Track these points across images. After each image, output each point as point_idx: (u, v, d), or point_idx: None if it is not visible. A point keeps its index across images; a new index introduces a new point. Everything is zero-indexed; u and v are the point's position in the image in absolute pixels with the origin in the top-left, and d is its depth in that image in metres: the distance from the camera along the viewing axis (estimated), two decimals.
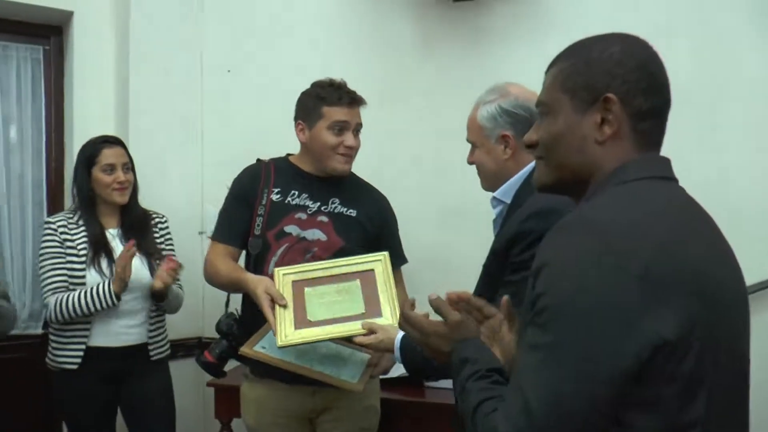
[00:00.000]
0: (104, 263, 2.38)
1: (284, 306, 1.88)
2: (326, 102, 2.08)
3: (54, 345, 2.40)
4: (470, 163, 1.74)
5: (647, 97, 0.99)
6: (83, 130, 3.01)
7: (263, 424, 2.18)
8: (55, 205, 3.15)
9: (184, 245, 2.78)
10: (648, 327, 0.84)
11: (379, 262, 1.97)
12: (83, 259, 2.37)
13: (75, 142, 3.01)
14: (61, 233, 2.40)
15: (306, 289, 1.93)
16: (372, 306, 1.88)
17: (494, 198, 1.68)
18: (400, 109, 2.92)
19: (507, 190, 1.66)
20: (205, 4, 3.19)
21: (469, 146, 1.75)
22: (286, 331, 1.83)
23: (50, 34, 3.25)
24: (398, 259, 2.24)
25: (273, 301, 1.88)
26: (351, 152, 2.13)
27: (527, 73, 2.73)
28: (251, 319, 2.05)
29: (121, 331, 2.40)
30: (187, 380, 2.85)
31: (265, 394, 2.16)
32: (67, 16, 3.14)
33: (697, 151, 2.51)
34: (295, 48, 3.08)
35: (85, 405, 2.42)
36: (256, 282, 1.95)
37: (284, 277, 1.96)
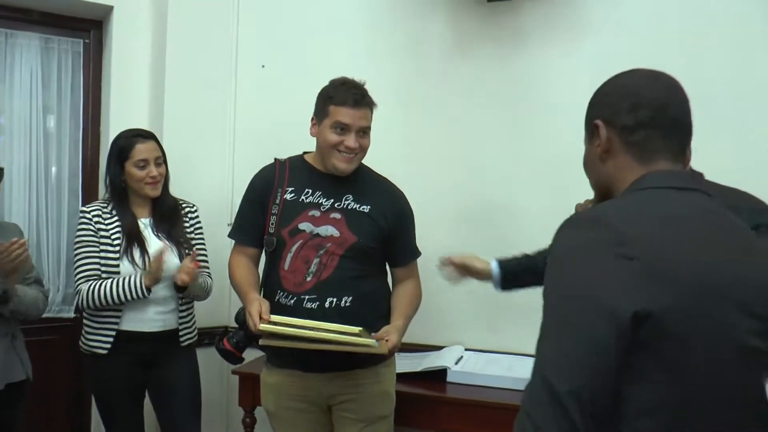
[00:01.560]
0: (137, 253, 2.43)
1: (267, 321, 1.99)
2: (333, 101, 2.12)
3: (87, 329, 2.45)
4: None
5: (631, 114, 1.15)
6: (119, 122, 3.10)
7: (281, 408, 2.22)
8: (89, 193, 3.24)
9: (214, 236, 2.83)
10: (630, 297, 0.97)
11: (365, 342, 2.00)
12: (117, 248, 2.42)
13: (111, 134, 3.05)
14: (96, 222, 2.45)
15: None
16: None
17: None
18: (432, 109, 2.93)
19: None
20: (241, 2, 3.25)
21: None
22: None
23: (90, 28, 3.34)
24: (410, 254, 2.31)
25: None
26: (351, 153, 2.14)
27: (560, 74, 2.78)
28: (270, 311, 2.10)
29: (152, 318, 2.44)
30: (213, 368, 2.90)
31: (283, 380, 2.20)
32: (107, 10, 3.23)
33: None
34: (329, 46, 3.12)
35: (114, 388, 2.47)
36: (252, 301, 2.05)
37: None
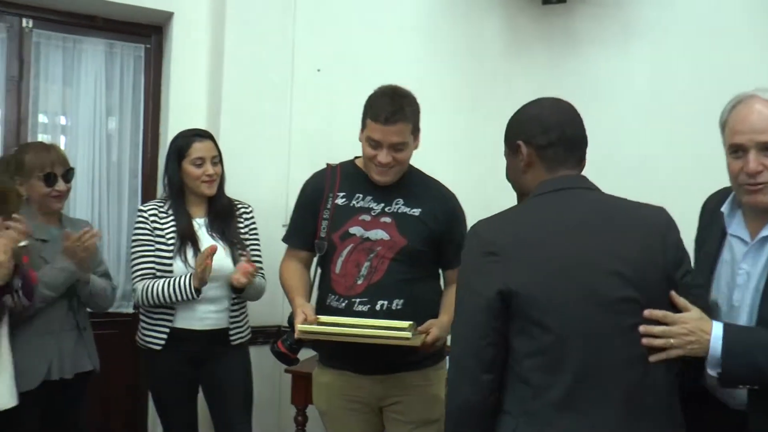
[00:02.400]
0: (190, 253, 2.47)
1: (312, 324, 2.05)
2: (369, 114, 2.12)
3: (143, 325, 2.52)
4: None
5: (543, 135, 1.51)
6: (177, 124, 3.16)
7: (333, 407, 2.24)
8: (148, 193, 3.33)
9: (269, 237, 2.85)
10: (489, 282, 1.39)
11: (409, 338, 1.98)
12: (171, 248, 2.48)
13: (170, 135, 3.13)
14: (152, 222, 2.51)
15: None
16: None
17: None
18: (486, 112, 2.93)
19: None
20: (297, 6, 3.30)
21: None
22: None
23: (152, 33, 3.45)
24: (457, 259, 2.17)
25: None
26: (384, 167, 2.13)
27: (614, 76, 2.76)
28: (320, 313, 2.14)
29: (204, 316, 2.49)
30: (266, 366, 2.92)
31: (335, 380, 2.22)
32: (168, 16, 3.33)
33: None
34: (383, 49, 3.15)
35: (168, 383, 2.54)
36: (296, 308, 2.11)
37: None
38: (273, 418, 3.15)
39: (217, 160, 2.56)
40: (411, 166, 2.27)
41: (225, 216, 2.59)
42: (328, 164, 2.33)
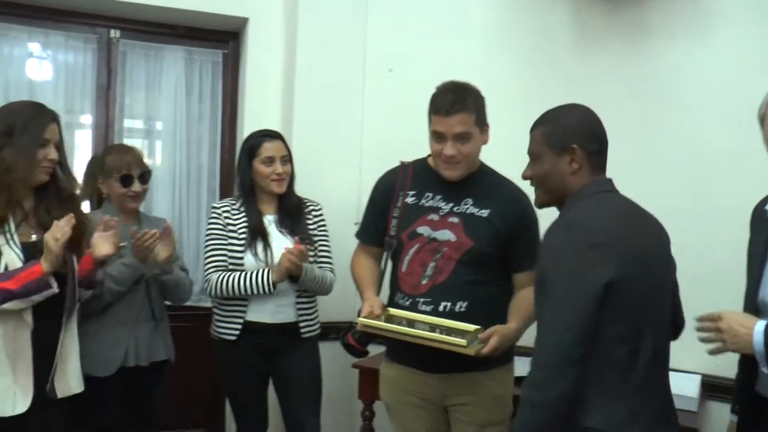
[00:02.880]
0: (260, 248, 2.56)
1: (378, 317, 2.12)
2: (432, 109, 2.13)
3: (217, 317, 2.63)
4: None
5: (594, 142, 1.67)
6: (253, 126, 3.23)
7: (399, 402, 2.26)
8: (226, 193, 3.47)
9: (341, 234, 2.90)
10: (600, 273, 1.48)
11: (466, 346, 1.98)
12: (242, 242, 2.57)
13: (245, 136, 3.29)
14: (225, 218, 2.62)
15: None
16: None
17: None
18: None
19: None
20: (369, 8, 3.35)
21: None
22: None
23: (229, 39, 3.59)
24: (531, 260, 2.05)
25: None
26: (451, 161, 2.12)
27: (688, 68, 2.68)
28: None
29: (275, 309, 2.56)
30: (337, 361, 2.98)
31: (401, 375, 2.24)
32: (243, 22, 3.46)
33: None
34: (452, 48, 3.16)
35: (241, 373, 2.63)
36: (364, 301, 2.17)
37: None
38: (342, 412, 3.21)
39: (287, 159, 2.64)
40: (483, 165, 2.26)
41: (294, 213, 2.66)
42: (401, 162, 2.35)
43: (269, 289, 2.48)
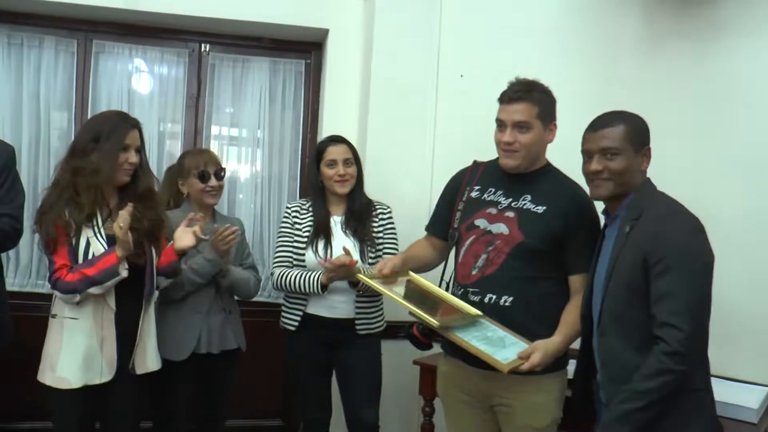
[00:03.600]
0: (320, 246, 2.68)
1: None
2: (498, 100, 2.22)
3: (283, 309, 2.78)
4: None
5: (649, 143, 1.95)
6: (332, 131, 3.37)
7: (447, 396, 2.34)
8: (305, 195, 3.54)
9: (413, 235, 2.96)
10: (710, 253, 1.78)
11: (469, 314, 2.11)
12: (305, 240, 2.71)
13: None
14: (293, 216, 2.77)
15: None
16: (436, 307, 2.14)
17: None
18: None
19: None
20: (443, 17, 3.41)
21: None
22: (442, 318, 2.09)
23: (311, 50, 3.76)
24: (582, 262, 2.13)
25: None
26: (508, 149, 2.17)
27: (759, 71, 2.58)
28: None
29: (333, 305, 2.67)
30: (402, 357, 3.02)
31: (452, 370, 2.30)
32: (324, 33, 3.61)
33: None
34: (523, 52, 3.18)
35: (301, 361, 2.76)
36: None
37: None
38: (404, 407, 3.27)
39: (351, 161, 2.74)
40: (549, 164, 2.28)
41: (360, 215, 2.75)
42: (474, 161, 2.42)
43: (318, 290, 2.59)
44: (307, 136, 3.75)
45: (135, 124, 2.32)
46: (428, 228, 2.50)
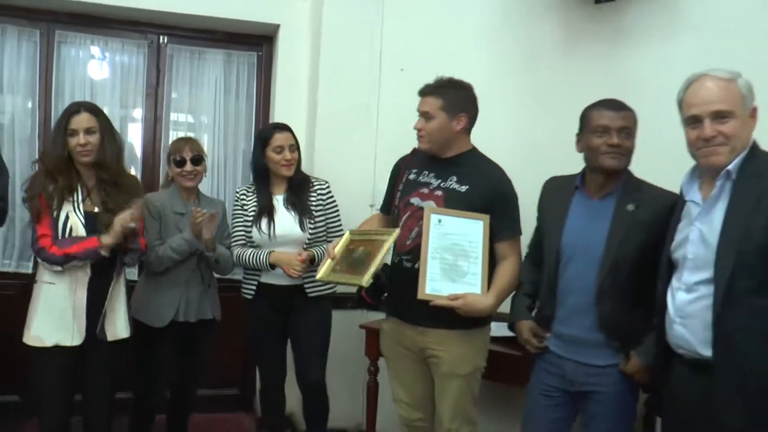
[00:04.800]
0: (264, 223, 2.93)
1: (333, 257, 2.59)
2: None
3: (242, 281, 3.05)
4: (721, 136, 1.82)
5: None
6: (283, 119, 3.56)
7: (389, 351, 2.68)
8: None
9: (357, 215, 3.22)
10: None
11: (390, 236, 2.44)
12: (251, 219, 2.98)
13: None
14: (242, 200, 3.05)
15: (351, 246, 2.61)
16: (363, 268, 2.44)
17: (727, 171, 1.82)
18: (543, 103, 3.21)
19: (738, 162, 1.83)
20: (384, 14, 3.67)
21: None
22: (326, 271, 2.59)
23: (263, 43, 3.99)
24: (507, 231, 2.48)
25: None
26: (418, 134, 2.53)
27: (659, 70, 2.93)
28: (390, 269, 2.60)
29: (282, 273, 2.90)
30: (351, 326, 3.36)
31: (392, 327, 2.64)
32: (275, 28, 3.86)
33: None
34: (455, 48, 3.47)
35: (257, 327, 3.03)
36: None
37: (348, 237, 2.64)
38: (351, 369, 3.55)
39: (295, 147, 2.99)
40: (474, 149, 2.59)
41: (297, 190, 3.02)
42: (414, 148, 2.71)
43: (267, 267, 2.88)
44: (259, 123, 3.98)
45: (79, 110, 2.55)
46: (381, 208, 2.85)
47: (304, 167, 3.34)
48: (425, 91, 2.53)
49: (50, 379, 2.49)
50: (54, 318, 2.48)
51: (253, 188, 3.08)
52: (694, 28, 2.92)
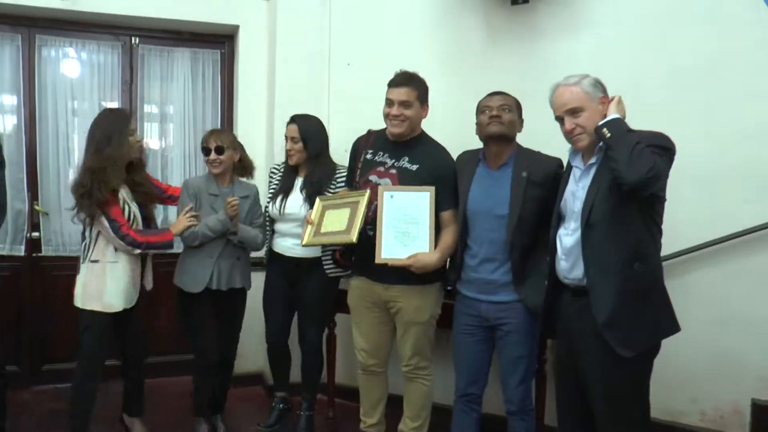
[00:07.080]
0: (278, 200, 3.34)
1: (311, 222, 2.99)
2: (388, 85, 2.90)
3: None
4: (579, 127, 2.31)
5: None
6: (245, 111, 4.13)
7: (355, 304, 3.07)
8: None
9: None
10: None
11: (363, 197, 2.83)
12: (271, 196, 3.40)
13: (240, 120, 4.11)
14: (272, 175, 3.52)
15: (326, 211, 2.98)
16: (349, 226, 2.82)
17: (599, 147, 2.30)
18: (472, 88, 3.28)
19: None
20: (332, 15, 4.03)
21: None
22: (308, 237, 2.98)
23: (225, 41, 4.35)
24: (447, 202, 2.83)
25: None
26: (396, 119, 2.81)
27: (565, 64, 3.14)
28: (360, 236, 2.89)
29: (290, 246, 3.31)
30: None
31: (360, 284, 3.03)
32: (235, 28, 4.23)
33: None
34: (395, 46, 3.81)
35: (268, 289, 3.43)
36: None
37: (321, 204, 3.03)
38: None
39: (298, 139, 3.32)
40: (423, 133, 2.93)
41: (314, 176, 3.31)
42: (369, 130, 3.06)
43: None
44: (224, 113, 4.34)
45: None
46: (345, 182, 3.19)
47: (265, 153, 3.76)
48: (400, 82, 2.82)
49: (105, 340, 3.02)
50: (123, 287, 2.99)
51: (281, 166, 3.46)
52: (594, 24, 3.28)
